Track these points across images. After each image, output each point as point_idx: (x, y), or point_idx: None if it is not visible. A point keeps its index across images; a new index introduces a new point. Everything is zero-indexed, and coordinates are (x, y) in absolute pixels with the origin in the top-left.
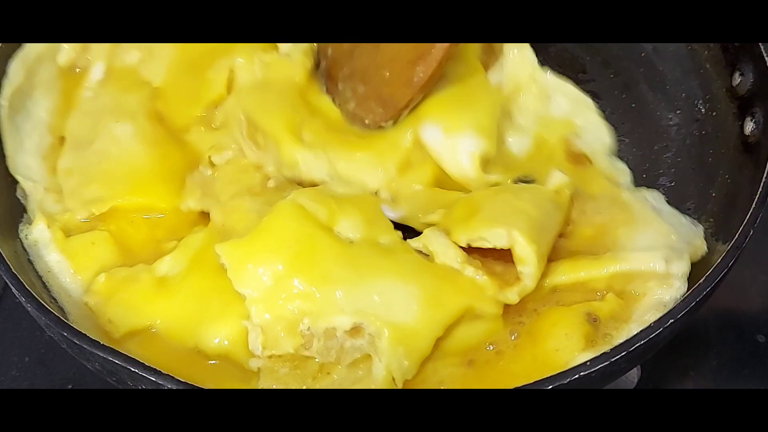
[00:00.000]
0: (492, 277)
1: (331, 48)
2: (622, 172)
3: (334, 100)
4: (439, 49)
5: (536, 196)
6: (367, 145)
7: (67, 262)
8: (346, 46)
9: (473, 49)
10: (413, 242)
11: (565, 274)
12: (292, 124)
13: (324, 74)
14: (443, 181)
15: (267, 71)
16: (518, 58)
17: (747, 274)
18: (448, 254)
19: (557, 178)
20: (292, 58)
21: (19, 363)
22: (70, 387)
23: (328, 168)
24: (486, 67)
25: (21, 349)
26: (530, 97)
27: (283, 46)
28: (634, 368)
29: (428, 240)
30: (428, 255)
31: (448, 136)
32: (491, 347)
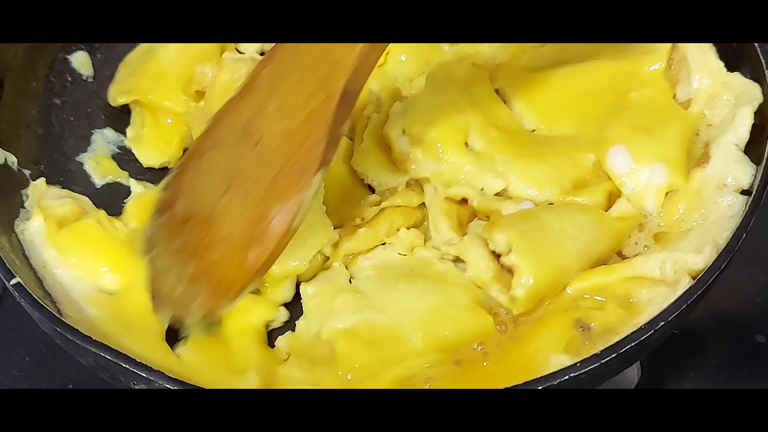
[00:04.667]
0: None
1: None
2: None
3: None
4: (274, 235)
5: (580, 215)
6: (543, 158)
7: (60, 255)
8: (180, 214)
9: (660, 68)
10: (450, 249)
11: (582, 281)
12: (459, 130)
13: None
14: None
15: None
16: (704, 67)
17: (746, 274)
18: (479, 266)
19: (623, 207)
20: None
21: (19, 363)
22: (70, 387)
23: (496, 178)
24: (673, 82)
25: (21, 349)
26: (722, 105)
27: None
28: (635, 369)
29: (465, 247)
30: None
31: (636, 164)
32: (478, 347)
